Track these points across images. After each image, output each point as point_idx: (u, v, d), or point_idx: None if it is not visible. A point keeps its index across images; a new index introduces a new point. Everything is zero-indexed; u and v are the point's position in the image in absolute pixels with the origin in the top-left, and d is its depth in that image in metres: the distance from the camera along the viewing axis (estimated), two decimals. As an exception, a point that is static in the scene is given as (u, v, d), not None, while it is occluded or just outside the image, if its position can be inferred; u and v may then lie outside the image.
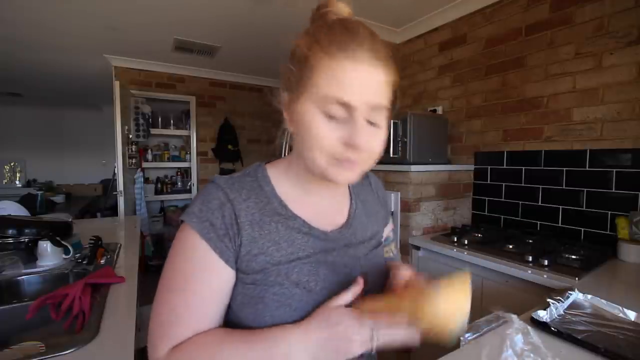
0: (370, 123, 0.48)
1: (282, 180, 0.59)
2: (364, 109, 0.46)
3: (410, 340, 0.48)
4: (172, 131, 3.74)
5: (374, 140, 0.50)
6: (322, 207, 0.60)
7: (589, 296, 0.96)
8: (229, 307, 0.53)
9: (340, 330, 0.46)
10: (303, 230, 0.55)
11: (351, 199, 0.65)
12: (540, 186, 1.75)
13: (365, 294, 0.52)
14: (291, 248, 0.53)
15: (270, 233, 0.53)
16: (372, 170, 0.70)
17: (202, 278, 0.50)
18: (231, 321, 0.53)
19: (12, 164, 5.76)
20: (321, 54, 0.46)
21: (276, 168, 0.60)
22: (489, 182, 2.00)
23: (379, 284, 0.60)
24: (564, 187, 1.65)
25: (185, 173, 3.93)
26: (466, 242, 1.58)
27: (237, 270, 0.52)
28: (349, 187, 0.67)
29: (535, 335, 0.60)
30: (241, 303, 0.52)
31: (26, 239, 1.29)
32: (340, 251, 0.58)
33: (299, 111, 0.49)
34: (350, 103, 0.45)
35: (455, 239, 1.64)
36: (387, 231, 0.73)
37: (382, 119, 0.50)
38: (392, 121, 1.89)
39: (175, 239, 0.53)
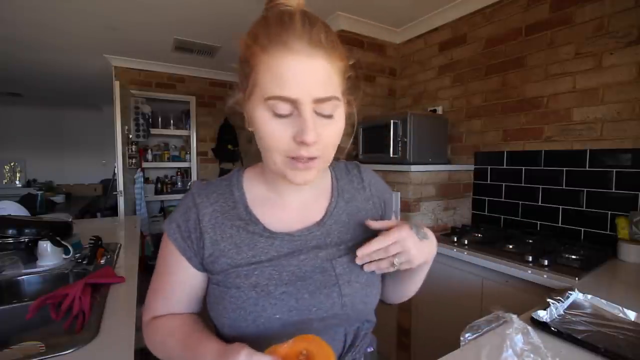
0: (322, 115, 0.47)
1: (255, 183, 0.59)
2: (309, 102, 0.44)
3: None
4: (172, 131, 3.74)
5: (326, 133, 0.48)
6: (295, 206, 0.59)
7: (589, 296, 0.96)
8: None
9: None
10: (265, 234, 0.55)
11: (332, 197, 0.61)
12: (540, 186, 1.75)
13: (347, 306, 0.55)
14: (252, 251, 0.54)
15: (232, 236, 0.54)
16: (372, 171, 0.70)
17: (171, 270, 0.58)
18: (211, 316, 0.57)
19: (12, 164, 5.76)
20: (258, 51, 0.45)
21: (253, 171, 0.61)
22: (489, 182, 2.00)
23: (360, 292, 0.56)
24: (564, 187, 1.65)
25: (185, 173, 3.93)
26: (466, 242, 1.58)
27: (206, 270, 0.57)
28: (332, 183, 0.63)
29: (535, 336, 0.60)
30: (210, 302, 0.56)
31: (26, 239, 1.29)
32: (309, 253, 0.55)
33: (251, 112, 0.49)
34: (292, 97, 0.44)
35: (455, 239, 1.64)
36: None
37: (333, 108, 0.47)
38: (392, 121, 1.89)
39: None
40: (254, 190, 0.59)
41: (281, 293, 0.52)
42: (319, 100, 0.45)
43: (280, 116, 0.45)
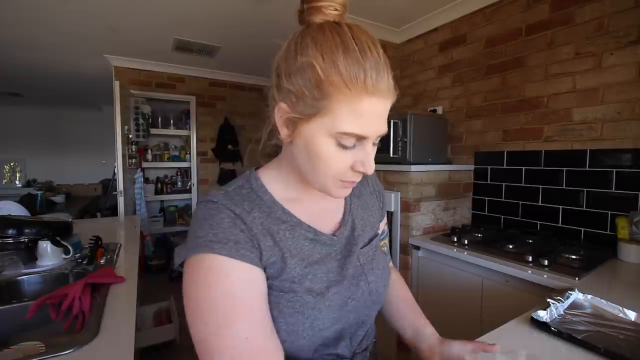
0: (375, 145, 0.51)
1: (275, 185, 0.58)
2: (375, 138, 0.49)
3: None
4: (172, 131, 3.74)
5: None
6: (318, 208, 0.60)
7: (589, 296, 0.96)
8: None
9: None
10: (309, 236, 0.55)
11: (346, 204, 0.65)
12: (540, 186, 1.75)
13: (372, 292, 0.59)
14: (301, 254, 0.53)
15: (281, 241, 0.53)
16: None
17: (252, 300, 0.46)
18: None
19: (12, 164, 5.76)
20: (340, 82, 0.43)
21: (268, 174, 0.58)
22: (489, 182, 2.00)
23: (381, 277, 0.62)
24: (564, 187, 1.65)
25: (185, 173, 3.93)
26: (466, 242, 1.58)
27: None
28: None
29: None
30: None
31: (26, 239, 1.29)
32: (343, 250, 0.58)
33: (307, 134, 0.47)
34: (365, 135, 0.46)
35: (455, 239, 1.64)
36: (382, 225, 0.72)
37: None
38: (392, 121, 1.89)
39: (194, 275, 0.46)
40: (276, 192, 0.57)
41: (333, 294, 0.53)
42: (380, 136, 0.49)
43: (345, 148, 0.47)
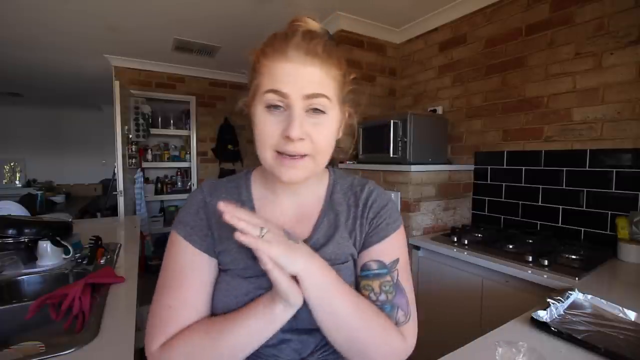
0: (312, 114, 0.51)
1: (259, 183, 0.62)
2: (299, 98, 0.49)
3: None
4: (172, 131, 3.74)
5: (316, 133, 0.51)
6: (291, 210, 0.61)
7: (589, 296, 0.96)
8: None
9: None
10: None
11: (321, 211, 0.61)
12: (540, 186, 1.75)
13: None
14: (250, 259, 0.54)
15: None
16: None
17: (193, 275, 0.54)
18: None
19: (12, 164, 5.76)
20: (263, 60, 0.52)
21: (257, 173, 0.64)
22: (489, 182, 2.00)
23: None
24: (564, 187, 1.65)
25: (185, 173, 3.93)
26: (466, 242, 1.58)
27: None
28: (326, 195, 0.63)
29: None
30: None
31: (26, 239, 1.29)
32: None
33: (252, 113, 0.54)
34: (283, 91, 0.49)
35: (455, 239, 1.64)
36: (371, 258, 0.57)
37: (324, 108, 0.52)
38: (392, 121, 1.89)
39: (167, 245, 0.58)
40: (258, 191, 0.62)
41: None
42: (309, 97, 0.50)
43: (272, 110, 0.50)
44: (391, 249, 0.58)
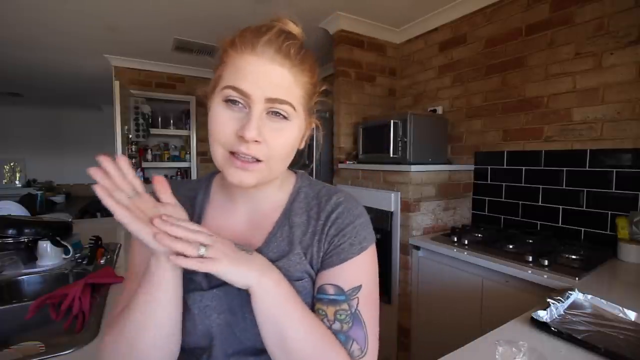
0: (273, 118, 0.47)
1: (218, 188, 0.59)
2: (261, 101, 0.45)
3: None
4: (172, 131, 3.74)
5: (274, 140, 0.47)
6: (244, 216, 0.56)
7: (589, 296, 0.96)
8: None
9: None
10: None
11: (277, 221, 0.55)
12: (540, 186, 1.75)
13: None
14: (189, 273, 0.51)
15: None
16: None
17: (135, 268, 0.53)
18: None
19: (12, 164, 5.76)
20: (230, 50, 0.48)
21: (220, 176, 0.59)
22: (489, 182, 2.00)
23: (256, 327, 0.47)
24: (564, 187, 1.65)
25: (185, 173, 3.93)
26: (466, 242, 1.58)
27: None
28: (286, 204, 0.57)
29: None
30: None
31: (26, 239, 1.29)
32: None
33: (209, 105, 0.50)
34: (245, 91, 0.45)
35: (455, 239, 1.64)
36: (328, 281, 0.50)
37: (287, 114, 0.48)
38: (392, 121, 1.89)
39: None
40: (217, 195, 0.59)
41: (209, 308, 0.51)
42: (271, 100, 0.46)
43: (231, 107, 0.47)
44: (353, 273, 0.50)
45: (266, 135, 0.47)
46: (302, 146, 0.55)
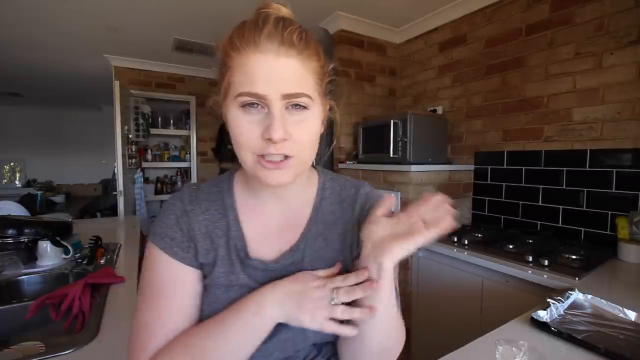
0: (293, 112, 0.47)
1: (242, 188, 0.58)
2: (278, 98, 0.45)
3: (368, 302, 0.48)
4: (172, 131, 3.74)
5: (299, 132, 0.47)
6: (276, 216, 0.57)
7: (589, 296, 0.96)
8: None
9: (305, 284, 0.50)
10: (240, 255, 0.53)
11: (310, 217, 0.57)
12: (540, 186, 1.75)
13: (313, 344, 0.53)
14: (232, 275, 0.53)
15: (220, 247, 0.53)
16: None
17: (174, 291, 0.51)
18: None
19: (12, 164, 5.76)
20: (233, 53, 0.46)
21: (240, 176, 0.59)
22: (489, 182, 2.00)
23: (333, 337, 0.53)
24: (564, 187, 1.65)
25: (185, 173, 3.93)
26: (466, 242, 1.57)
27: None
28: (315, 200, 0.59)
29: None
30: None
31: (26, 239, 1.29)
32: (279, 277, 0.53)
33: (225, 113, 0.49)
34: (260, 93, 0.44)
35: (455, 239, 1.64)
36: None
37: (306, 104, 0.47)
38: (392, 121, 1.89)
39: (145, 257, 0.54)
40: (241, 196, 0.58)
41: None
42: (288, 96, 0.45)
43: (249, 112, 0.46)
44: None
45: (290, 129, 0.46)
46: (322, 130, 0.55)
